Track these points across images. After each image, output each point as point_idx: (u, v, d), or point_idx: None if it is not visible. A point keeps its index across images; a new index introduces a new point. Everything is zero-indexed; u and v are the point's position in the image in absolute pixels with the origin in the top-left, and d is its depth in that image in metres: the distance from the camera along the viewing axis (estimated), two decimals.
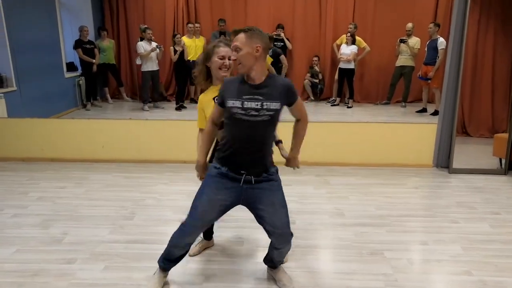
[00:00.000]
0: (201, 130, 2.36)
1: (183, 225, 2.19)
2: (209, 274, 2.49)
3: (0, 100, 5.19)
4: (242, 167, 2.03)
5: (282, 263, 2.52)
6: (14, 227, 3.08)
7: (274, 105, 1.97)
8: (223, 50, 2.24)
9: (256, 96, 1.97)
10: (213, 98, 2.24)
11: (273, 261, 2.36)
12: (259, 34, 1.95)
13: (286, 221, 2.13)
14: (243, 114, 1.95)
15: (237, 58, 1.95)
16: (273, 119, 2.00)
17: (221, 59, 2.25)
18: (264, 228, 2.16)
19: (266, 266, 2.46)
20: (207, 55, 2.29)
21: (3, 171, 4.34)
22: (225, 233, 2.94)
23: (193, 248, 2.73)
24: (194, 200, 2.14)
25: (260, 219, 2.13)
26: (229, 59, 2.23)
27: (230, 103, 1.97)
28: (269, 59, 5.84)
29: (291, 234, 2.18)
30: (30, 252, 2.73)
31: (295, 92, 2.04)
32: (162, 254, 2.30)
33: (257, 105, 1.95)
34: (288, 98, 2.02)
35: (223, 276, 2.48)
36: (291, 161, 2.26)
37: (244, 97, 1.96)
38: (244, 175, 2.04)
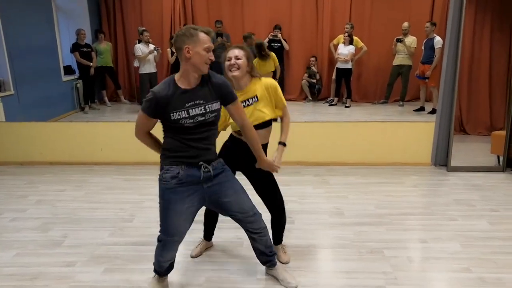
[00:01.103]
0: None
1: (160, 242, 2.17)
2: (209, 275, 2.49)
3: None
4: (198, 158, 2.01)
5: (284, 263, 2.54)
6: (13, 230, 3.08)
7: (215, 106, 2.00)
8: (231, 52, 2.26)
9: (199, 101, 1.95)
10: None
11: (265, 254, 2.32)
12: (182, 35, 1.88)
13: (252, 203, 2.18)
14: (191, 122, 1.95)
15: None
16: (216, 118, 2.04)
17: (228, 61, 2.25)
18: (235, 218, 2.16)
19: (265, 267, 2.46)
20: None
21: (2, 175, 4.34)
22: (225, 234, 2.94)
23: (194, 249, 2.73)
24: (162, 218, 2.09)
25: (228, 211, 2.13)
26: (236, 59, 2.23)
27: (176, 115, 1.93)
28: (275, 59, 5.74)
29: (259, 213, 2.21)
30: (30, 255, 2.73)
31: (230, 91, 2.04)
32: (154, 264, 2.28)
33: (203, 108, 1.96)
34: (223, 97, 2.03)
35: (224, 276, 2.49)
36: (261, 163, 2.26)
37: (195, 102, 1.94)
38: (202, 167, 2.01)
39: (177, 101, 1.91)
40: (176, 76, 1.96)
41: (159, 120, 2.00)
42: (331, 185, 3.97)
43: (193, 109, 1.93)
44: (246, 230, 2.23)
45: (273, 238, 2.57)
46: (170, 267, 2.29)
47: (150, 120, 2.02)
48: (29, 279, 2.46)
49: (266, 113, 2.30)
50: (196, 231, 3.08)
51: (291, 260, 2.64)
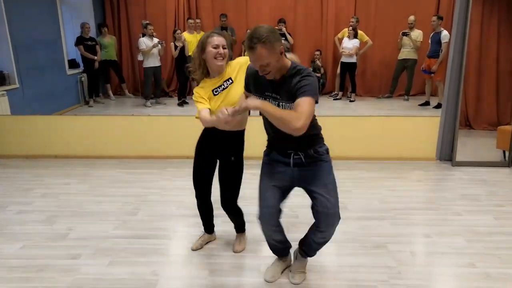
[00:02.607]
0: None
1: (259, 218, 2.21)
2: (212, 268, 2.50)
3: (3, 98, 5.21)
4: (287, 149, 2.08)
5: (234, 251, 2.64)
6: (19, 223, 3.10)
7: (289, 106, 1.90)
8: (216, 39, 2.21)
9: (275, 96, 1.97)
10: (212, 91, 2.27)
11: (311, 246, 2.28)
12: (272, 36, 1.80)
13: (336, 201, 2.10)
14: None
15: (269, 73, 1.87)
16: None
17: (215, 48, 2.20)
18: (314, 209, 2.12)
19: (297, 251, 2.42)
20: (202, 46, 2.23)
21: (7, 168, 4.36)
22: (227, 227, 2.95)
23: (195, 242, 2.74)
24: (259, 190, 2.20)
25: (313, 200, 2.11)
26: (223, 48, 2.20)
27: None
28: None
29: (339, 217, 2.13)
30: (36, 248, 2.75)
31: (305, 85, 1.84)
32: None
33: (276, 104, 1.95)
34: (298, 91, 1.86)
35: (226, 270, 2.49)
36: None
37: (271, 95, 1.98)
38: (292, 155, 2.07)
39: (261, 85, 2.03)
40: None
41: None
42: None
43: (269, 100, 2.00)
44: (314, 223, 2.18)
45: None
46: (284, 242, 2.37)
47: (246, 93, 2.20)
48: (34, 271, 2.48)
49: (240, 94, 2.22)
50: (199, 224, 3.09)
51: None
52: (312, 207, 2.13)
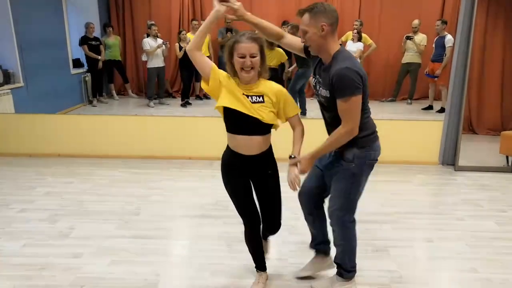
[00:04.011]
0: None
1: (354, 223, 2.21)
2: (214, 270, 2.51)
3: (7, 96, 5.23)
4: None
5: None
6: (22, 221, 3.11)
7: (324, 93, 1.94)
8: (244, 46, 1.88)
9: (319, 79, 2.00)
10: (244, 95, 1.97)
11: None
12: (323, 11, 1.83)
13: (336, 207, 2.11)
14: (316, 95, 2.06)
15: (305, 41, 1.91)
16: (328, 106, 1.96)
17: (241, 57, 1.89)
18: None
19: (316, 250, 2.43)
20: (229, 51, 1.94)
21: (11, 166, 4.38)
22: (228, 228, 2.95)
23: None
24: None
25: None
26: (251, 57, 1.89)
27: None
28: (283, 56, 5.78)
29: (334, 222, 2.16)
30: (38, 246, 2.76)
31: (339, 87, 1.82)
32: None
33: (318, 88, 2.01)
34: (334, 90, 1.86)
35: (229, 271, 2.49)
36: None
37: (316, 76, 2.03)
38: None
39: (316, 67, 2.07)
40: None
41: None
42: None
43: (316, 84, 2.06)
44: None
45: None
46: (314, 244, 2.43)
47: None
48: (36, 269, 2.48)
49: (264, 117, 1.97)
50: (202, 225, 3.09)
51: (296, 256, 2.64)
52: None
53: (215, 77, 1.99)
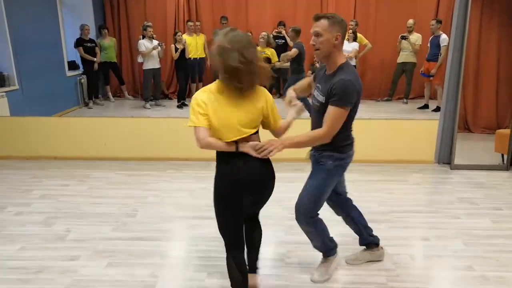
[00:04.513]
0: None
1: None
2: (210, 271, 2.51)
3: (2, 99, 5.21)
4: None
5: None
6: (18, 224, 3.10)
7: (321, 99, 2.08)
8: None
9: (319, 86, 2.12)
10: None
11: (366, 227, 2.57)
12: (341, 23, 2.00)
13: (303, 202, 2.25)
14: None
15: (316, 44, 2.01)
16: (319, 110, 2.10)
17: None
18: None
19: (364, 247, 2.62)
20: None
21: (6, 169, 4.36)
22: None
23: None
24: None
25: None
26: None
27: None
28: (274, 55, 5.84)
29: (299, 218, 2.29)
30: (34, 249, 2.75)
31: (336, 94, 1.96)
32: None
33: (316, 93, 2.14)
34: (330, 96, 2.01)
35: (226, 272, 2.48)
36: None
37: (317, 85, 2.16)
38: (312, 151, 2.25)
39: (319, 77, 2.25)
40: None
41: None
42: None
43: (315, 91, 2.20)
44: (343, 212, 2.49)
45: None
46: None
47: None
48: (33, 272, 2.48)
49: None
50: (198, 227, 3.09)
51: (294, 256, 2.64)
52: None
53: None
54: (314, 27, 2.00)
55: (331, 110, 2.00)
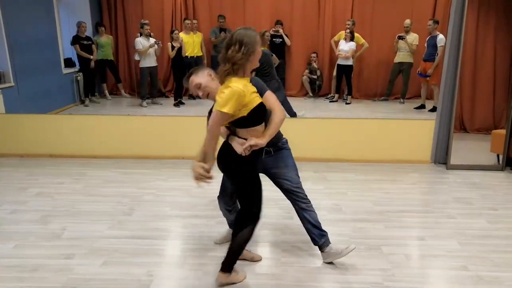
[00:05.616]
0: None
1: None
2: (206, 269, 2.50)
3: None
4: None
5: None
6: (13, 222, 3.09)
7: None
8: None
9: None
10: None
11: (317, 227, 2.52)
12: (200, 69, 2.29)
13: (299, 179, 2.48)
14: None
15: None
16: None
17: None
18: (283, 189, 2.45)
19: (321, 252, 2.56)
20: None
21: (2, 167, 4.34)
22: (222, 229, 2.95)
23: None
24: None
25: (278, 179, 2.44)
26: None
27: None
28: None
29: (302, 194, 2.46)
30: (29, 247, 2.74)
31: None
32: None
33: None
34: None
35: (217, 269, 2.49)
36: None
37: None
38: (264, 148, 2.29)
39: None
40: None
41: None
42: (330, 181, 3.98)
43: None
44: (297, 209, 2.50)
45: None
46: None
47: None
48: (28, 270, 2.46)
49: None
50: (194, 225, 3.09)
51: (290, 255, 2.64)
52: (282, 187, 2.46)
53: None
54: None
55: (269, 96, 2.21)
